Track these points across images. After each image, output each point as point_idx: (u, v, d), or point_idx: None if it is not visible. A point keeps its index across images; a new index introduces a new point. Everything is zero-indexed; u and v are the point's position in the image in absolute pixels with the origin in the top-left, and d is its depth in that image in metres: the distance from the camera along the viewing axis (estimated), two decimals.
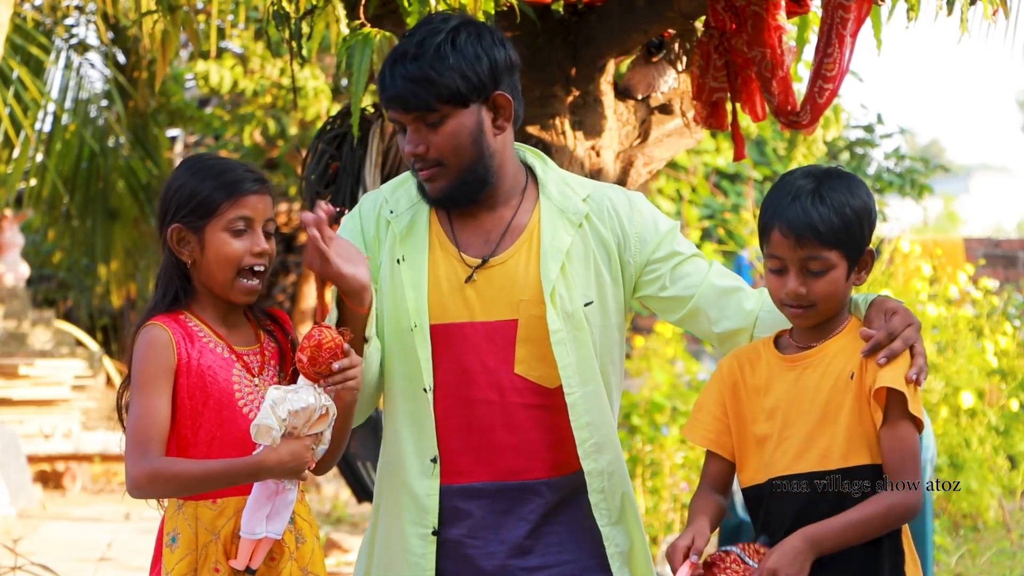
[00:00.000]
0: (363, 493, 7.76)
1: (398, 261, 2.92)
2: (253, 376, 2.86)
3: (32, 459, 11.31)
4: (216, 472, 2.76)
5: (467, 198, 2.89)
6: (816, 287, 2.73)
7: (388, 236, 2.95)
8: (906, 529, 2.79)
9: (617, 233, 2.96)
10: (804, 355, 2.79)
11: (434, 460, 2.90)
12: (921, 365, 2.70)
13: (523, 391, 2.90)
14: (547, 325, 2.87)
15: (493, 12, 3.55)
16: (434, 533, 2.90)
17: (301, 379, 2.75)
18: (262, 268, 2.87)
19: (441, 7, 3.65)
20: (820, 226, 2.70)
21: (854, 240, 2.74)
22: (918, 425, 2.70)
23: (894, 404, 2.69)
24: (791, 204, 2.73)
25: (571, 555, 2.92)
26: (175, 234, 2.86)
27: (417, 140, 2.85)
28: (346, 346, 2.74)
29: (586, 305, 2.91)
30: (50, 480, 11.61)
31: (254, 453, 2.74)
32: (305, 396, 2.72)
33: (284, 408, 2.70)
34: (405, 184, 3.01)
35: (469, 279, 2.90)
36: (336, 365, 2.73)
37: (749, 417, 2.81)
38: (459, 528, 2.91)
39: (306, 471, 2.79)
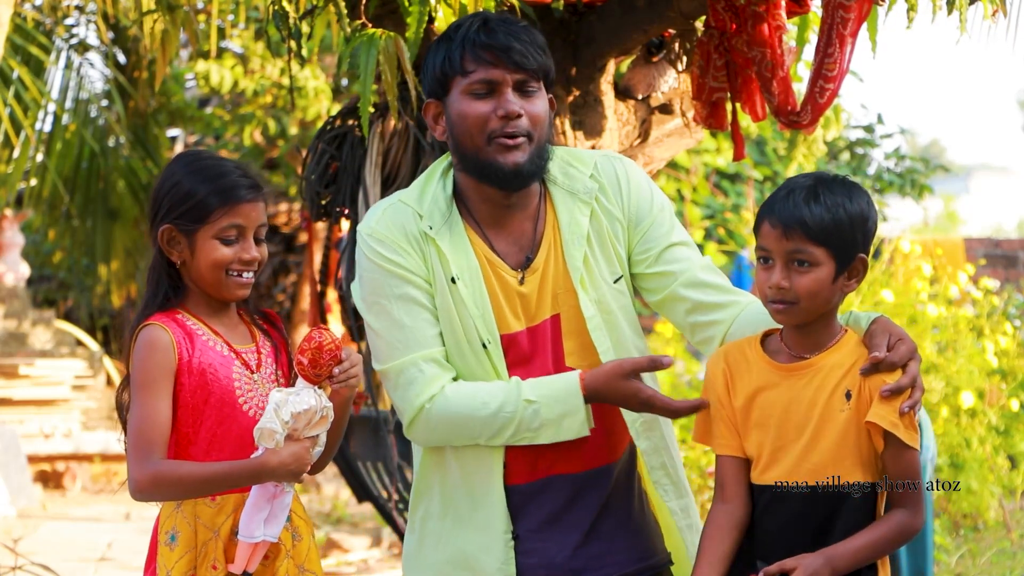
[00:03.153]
0: (363, 493, 7.75)
1: (452, 280, 2.89)
2: (252, 373, 2.87)
3: (32, 459, 11.31)
4: (218, 474, 2.77)
5: (534, 178, 2.90)
6: (800, 283, 2.70)
7: (432, 252, 2.91)
8: None
9: (623, 204, 2.98)
10: (798, 366, 2.76)
11: (504, 465, 2.92)
12: (917, 398, 2.69)
13: None
14: (582, 313, 2.89)
15: (493, 12, 3.55)
16: (514, 536, 2.91)
17: (300, 381, 2.76)
18: (251, 275, 2.88)
19: (441, 8, 3.65)
20: (808, 220, 2.68)
21: (844, 242, 2.71)
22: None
23: (892, 435, 2.69)
24: (785, 199, 2.72)
25: (626, 541, 2.95)
26: (165, 234, 2.86)
27: (518, 102, 2.84)
28: (344, 347, 2.76)
29: (616, 281, 2.94)
30: (50, 480, 11.61)
31: (253, 455, 2.75)
32: (307, 398, 2.73)
33: (287, 411, 2.71)
34: (428, 193, 2.96)
35: (522, 281, 2.91)
36: (336, 370, 2.75)
37: (740, 420, 2.80)
38: (528, 523, 2.92)
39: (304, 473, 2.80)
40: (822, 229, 2.69)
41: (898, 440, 2.67)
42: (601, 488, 2.93)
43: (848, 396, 2.71)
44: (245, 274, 2.86)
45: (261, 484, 2.77)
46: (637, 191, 2.98)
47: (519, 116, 2.83)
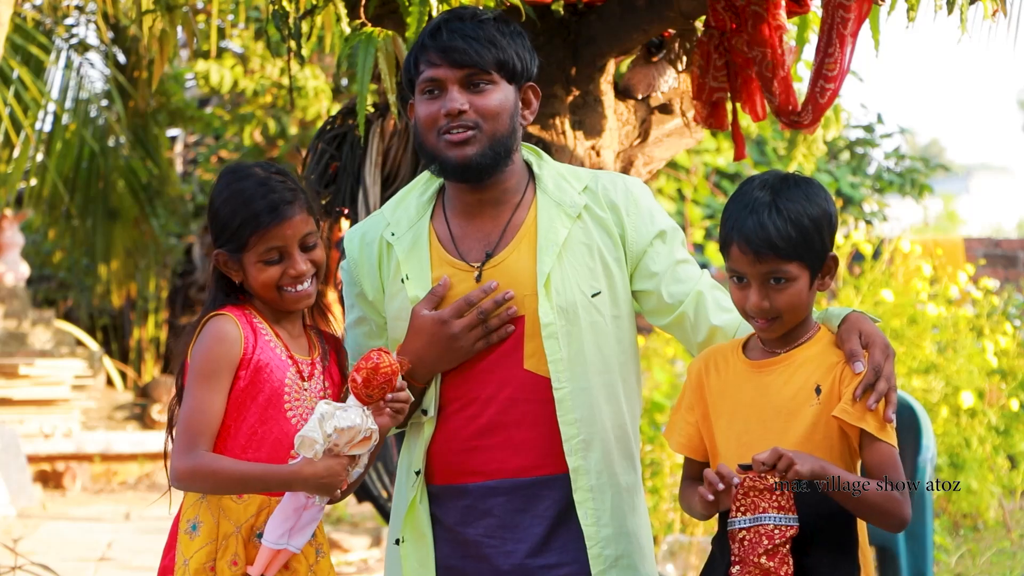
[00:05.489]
0: (363, 493, 7.76)
1: (403, 280, 2.94)
2: (304, 380, 2.89)
3: (32, 459, 11.31)
4: (253, 475, 2.80)
5: (490, 170, 2.90)
6: (779, 299, 2.71)
7: (392, 259, 2.98)
8: (864, 545, 2.78)
9: (619, 222, 2.97)
10: (770, 362, 2.77)
11: (418, 472, 2.95)
12: (882, 390, 2.67)
13: (533, 386, 2.90)
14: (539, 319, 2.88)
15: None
16: (396, 542, 2.96)
17: (351, 398, 2.77)
18: (306, 285, 2.90)
19: (442, 7, 3.64)
20: (778, 241, 2.68)
21: (814, 250, 2.72)
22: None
23: (866, 430, 2.68)
24: (747, 218, 2.70)
25: (577, 553, 2.90)
26: (220, 258, 2.92)
27: (461, 99, 2.86)
28: (400, 378, 2.77)
29: (594, 296, 2.91)
30: (50, 480, 11.61)
31: (290, 463, 2.77)
32: (353, 416, 2.74)
33: (331, 424, 2.72)
34: (404, 202, 3.03)
35: (477, 279, 2.91)
36: (389, 396, 2.76)
37: (713, 419, 2.81)
38: (477, 528, 2.92)
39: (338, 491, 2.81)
40: (792, 246, 2.69)
41: (870, 435, 2.67)
42: (553, 500, 2.90)
43: (818, 391, 2.72)
44: (299, 286, 2.89)
45: (293, 493, 2.78)
46: (636, 211, 2.97)
47: (461, 112, 2.86)
